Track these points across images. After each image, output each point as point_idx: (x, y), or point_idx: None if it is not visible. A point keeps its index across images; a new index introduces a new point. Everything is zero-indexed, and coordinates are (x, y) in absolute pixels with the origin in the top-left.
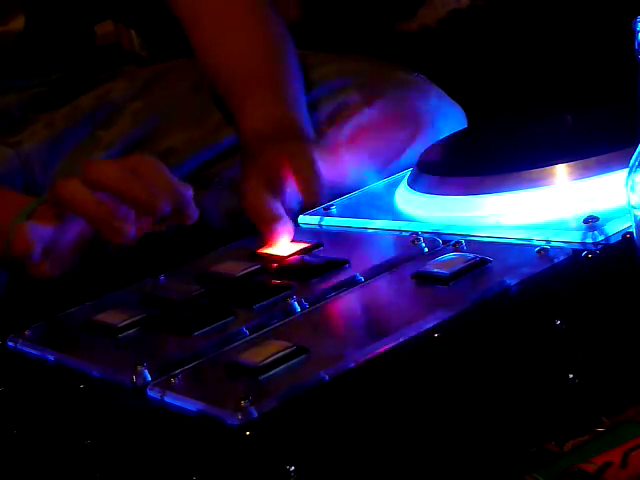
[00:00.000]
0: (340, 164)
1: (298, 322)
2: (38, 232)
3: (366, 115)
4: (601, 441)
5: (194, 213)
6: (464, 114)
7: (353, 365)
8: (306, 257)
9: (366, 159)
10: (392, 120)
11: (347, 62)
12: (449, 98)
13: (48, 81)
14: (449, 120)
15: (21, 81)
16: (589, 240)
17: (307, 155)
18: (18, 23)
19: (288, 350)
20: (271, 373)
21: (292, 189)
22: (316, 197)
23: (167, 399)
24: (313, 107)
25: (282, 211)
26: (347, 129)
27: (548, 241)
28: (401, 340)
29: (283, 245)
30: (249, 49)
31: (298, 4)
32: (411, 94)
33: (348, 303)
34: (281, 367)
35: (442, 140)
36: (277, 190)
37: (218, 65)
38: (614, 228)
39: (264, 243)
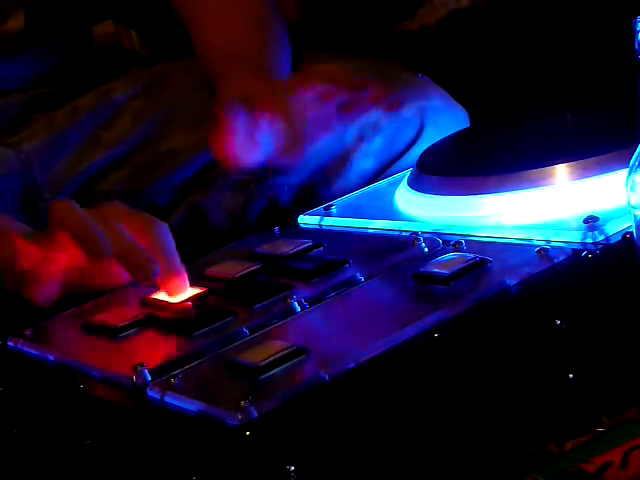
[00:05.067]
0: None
1: (298, 322)
2: (27, 250)
3: (368, 115)
4: (601, 441)
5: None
6: (466, 115)
7: (353, 365)
8: (304, 257)
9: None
10: (395, 121)
11: (348, 62)
12: (451, 99)
13: (48, 81)
14: (451, 121)
15: (21, 81)
16: (589, 240)
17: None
18: (17, 23)
19: (288, 350)
20: (271, 373)
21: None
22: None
23: (167, 399)
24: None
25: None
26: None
27: (548, 241)
28: (401, 340)
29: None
30: (236, 34)
31: (298, 4)
32: (413, 94)
33: (348, 303)
34: (281, 367)
35: (442, 140)
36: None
37: (205, 48)
38: (614, 228)
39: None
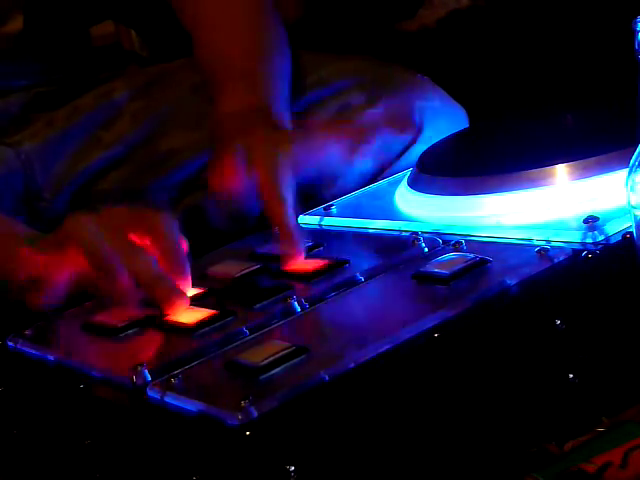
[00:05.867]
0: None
1: (298, 322)
2: (33, 258)
3: (368, 115)
4: (601, 441)
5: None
6: (465, 115)
7: (353, 365)
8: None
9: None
10: (394, 120)
11: (349, 62)
12: (451, 99)
13: (48, 81)
14: (450, 121)
15: (21, 81)
16: (589, 240)
17: (271, 157)
18: (17, 23)
19: (288, 350)
20: (271, 373)
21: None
22: (282, 219)
23: (167, 399)
24: (315, 108)
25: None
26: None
27: (548, 241)
28: (401, 340)
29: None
30: (234, 44)
31: (298, 4)
32: (413, 94)
33: (348, 303)
34: (281, 367)
35: (442, 140)
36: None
37: (205, 59)
38: (614, 228)
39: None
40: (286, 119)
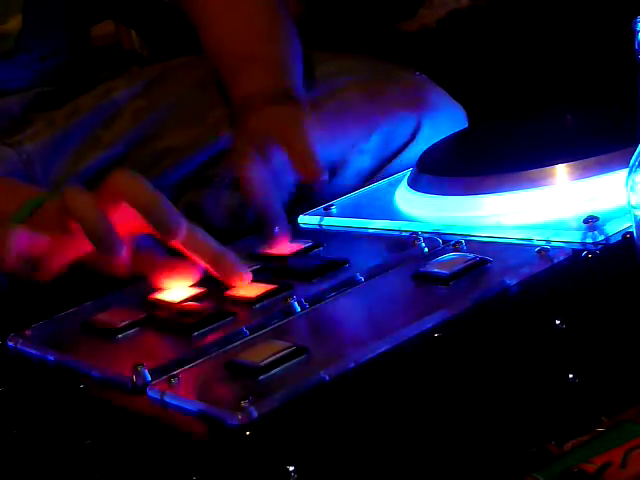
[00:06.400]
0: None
1: (298, 322)
2: (32, 241)
3: (367, 113)
4: (601, 441)
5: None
6: (465, 114)
7: (353, 365)
8: (304, 257)
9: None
10: (392, 118)
11: (348, 60)
12: (451, 98)
13: (48, 81)
14: (449, 119)
15: (21, 81)
16: (589, 240)
17: (299, 123)
18: (16, 22)
19: (288, 350)
20: (271, 373)
21: (283, 159)
22: (314, 173)
23: (167, 399)
24: (313, 105)
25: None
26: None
27: (548, 241)
28: (401, 340)
29: (277, 245)
30: (246, 29)
31: (298, 3)
32: (412, 92)
33: (348, 303)
34: (281, 367)
35: (442, 140)
36: (267, 160)
37: (216, 46)
38: (614, 228)
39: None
40: (305, 98)
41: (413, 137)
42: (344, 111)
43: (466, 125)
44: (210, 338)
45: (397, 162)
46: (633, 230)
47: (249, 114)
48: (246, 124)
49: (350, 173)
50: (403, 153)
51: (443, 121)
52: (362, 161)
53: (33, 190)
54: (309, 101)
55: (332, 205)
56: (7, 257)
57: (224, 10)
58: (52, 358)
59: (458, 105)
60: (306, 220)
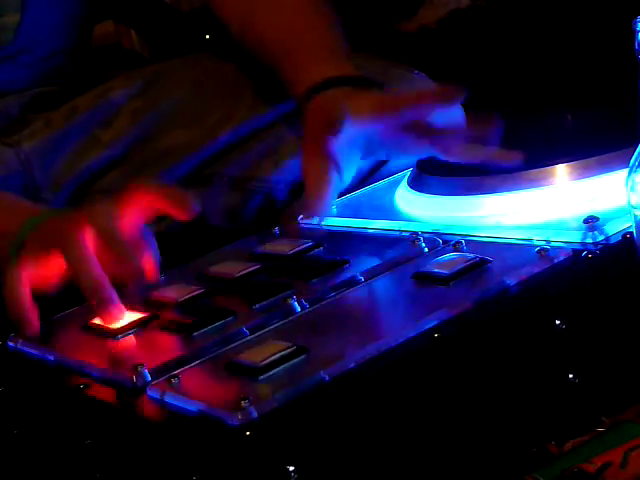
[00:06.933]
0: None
1: (298, 322)
2: (29, 275)
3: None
4: (601, 441)
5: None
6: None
7: (353, 365)
8: (304, 257)
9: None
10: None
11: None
12: None
13: (47, 81)
14: None
15: (20, 81)
16: (589, 240)
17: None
18: (14, 17)
19: (288, 350)
20: (271, 373)
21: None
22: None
23: (167, 399)
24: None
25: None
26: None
27: (548, 241)
28: (401, 340)
29: (276, 246)
30: (296, 19)
31: None
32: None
33: (348, 303)
34: (281, 367)
35: None
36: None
37: (265, 36)
38: (614, 228)
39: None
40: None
41: None
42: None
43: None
44: (210, 338)
45: (397, 162)
46: (633, 230)
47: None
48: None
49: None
50: None
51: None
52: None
53: (33, 208)
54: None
55: (332, 205)
56: (18, 299)
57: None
58: (52, 358)
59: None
60: (306, 220)
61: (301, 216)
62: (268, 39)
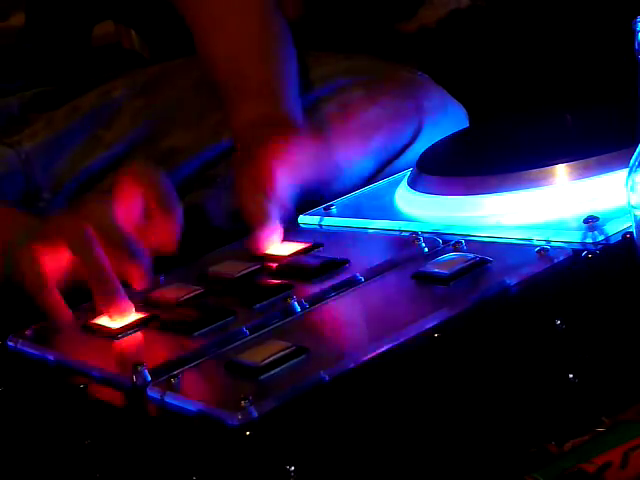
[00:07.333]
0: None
1: (298, 322)
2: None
3: (368, 113)
4: (601, 441)
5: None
6: (466, 113)
7: (353, 365)
8: (304, 257)
9: (360, 155)
10: (394, 119)
11: (348, 61)
12: (450, 97)
13: (48, 81)
14: (450, 119)
15: (21, 81)
16: (589, 240)
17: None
18: (19, 19)
19: (288, 350)
20: (271, 373)
21: (285, 184)
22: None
23: (167, 399)
24: (314, 106)
25: (272, 212)
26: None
27: (548, 241)
28: (401, 340)
29: (276, 246)
30: (242, 50)
31: (298, 3)
32: (413, 93)
33: (348, 303)
34: (281, 367)
35: (442, 140)
36: (266, 188)
37: (213, 66)
38: (614, 228)
39: (251, 244)
40: (300, 122)
41: (415, 137)
42: (345, 114)
43: (467, 125)
44: (210, 338)
45: (397, 162)
46: (633, 230)
47: (249, 141)
48: (248, 152)
49: (351, 175)
50: (404, 153)
51: (445, 121)
52: (365, 163)
53: (31, 219)
54: (305, 124)
55: (332, 205)
56: (28, 273)
57: (217, 21)
58: (52, 358)
59: (459, 105)
60: (306, 220)
61: (301, 215)
62: (212, 60)
